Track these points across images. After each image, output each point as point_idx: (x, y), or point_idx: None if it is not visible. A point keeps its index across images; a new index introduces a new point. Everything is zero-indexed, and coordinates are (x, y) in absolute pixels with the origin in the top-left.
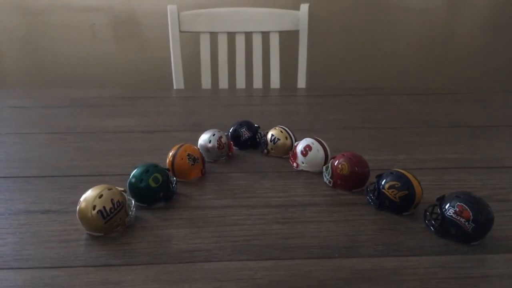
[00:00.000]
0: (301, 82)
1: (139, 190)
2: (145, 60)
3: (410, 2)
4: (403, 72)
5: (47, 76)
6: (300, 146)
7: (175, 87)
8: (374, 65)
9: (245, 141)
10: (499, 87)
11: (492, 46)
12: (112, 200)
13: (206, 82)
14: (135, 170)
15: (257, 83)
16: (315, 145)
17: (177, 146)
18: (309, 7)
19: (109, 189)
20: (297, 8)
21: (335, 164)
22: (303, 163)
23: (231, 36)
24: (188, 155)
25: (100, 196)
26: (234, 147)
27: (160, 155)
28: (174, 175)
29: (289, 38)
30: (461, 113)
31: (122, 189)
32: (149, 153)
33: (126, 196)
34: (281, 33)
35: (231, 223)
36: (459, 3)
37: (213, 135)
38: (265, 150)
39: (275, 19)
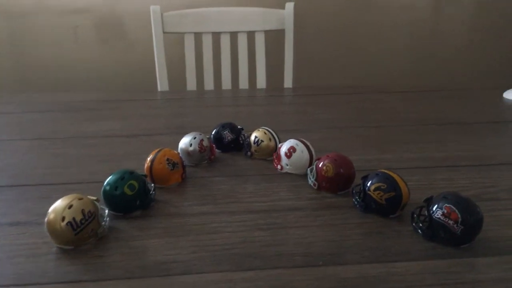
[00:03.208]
0: (288, 82)
1: (114, 198)
2: (130, 62)
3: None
4: (390, 70)
5: (30, 80)
6: (284, 148)
7: (159, 89)
8: (360, 64)
9: (228, 143)
10: (485, 84)
11: (478, 43)
12: (82, 210)
13: (191, 83)
14: (110, 177)
15: (243, 83)
16: (300, 147)
17: (156, 151)
18: (295, 5)
19: (80, 199)
20: (282, 7)
21: (320, 166)
22: (287, 165)
23: (216, 36)
24: (167, 159)
25: (70, 207)
26: (217, 150)
27: (141, 160)
28: (153, 181)
29: (275, 38)
30: (448, 110)
31: (95, 198)
32: (130, 158)
33: (98, 206)
34: (267, 33)
35: (211, 231)
36: (445, 1)
37: (194, 138)
38: (249, 153)
39: (260, 19)
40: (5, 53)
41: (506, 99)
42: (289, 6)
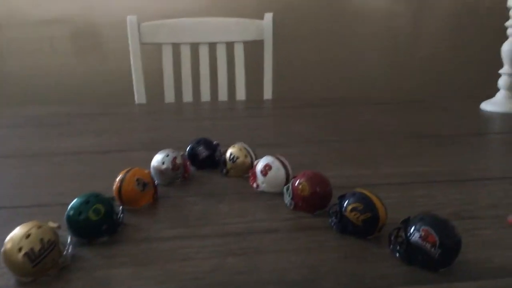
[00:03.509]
0: (267, 93)
1: (78, 224)
2: (107, 73)
3: (374, 8)
4: (369, 80)
5: (4, 93)
6: (259, 165)
7: (136, 102)
8: (340, 73)
9: (203, 160)
10: (463, 94)
11: (456, 53)
12: (41, 239)
13: (169, 95)
14: (74, 201)
15: (223, 95)
16: (275, 164)
17: (125, 171)
18: (273, 16)
19: (39, 227)
20: (261, 17)
21: (296, 184)
22: (263, 183)
23: (195, 47)
24: (137, 180)
25: (28, 236)
26: (191, 167)
27: (112, 179)
28: (122, 203)
29: (254, 48)
30: (425, 122)
31: (56, 225)
32: (100, 177)
33: (59, 234)
34: (246, 43)
35: (181, 258)
36: (423, 9)
37: (167, 155)
38: (224, 170)
39: (239, 29)
40: None
41: (484, 110)
42: (268, 16)
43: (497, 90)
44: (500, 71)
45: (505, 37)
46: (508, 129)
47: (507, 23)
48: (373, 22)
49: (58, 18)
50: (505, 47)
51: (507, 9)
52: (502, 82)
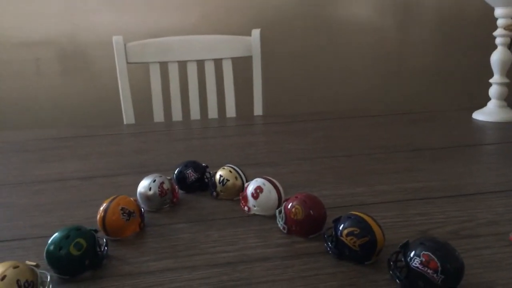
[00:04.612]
0: (258, 109)
1: (58, 260)
2: (94, 94)
3: (361, 22)
4: (359, 92)
5: None
6: (250, 188)
7: (125, 122)
8: (330, 87)
9: (192, 183)
10: (453, 105)
11: (444, 63)
12: (18, 281)
13: (158, 114)
14: (54, 236)
15: (212, 112)
16: (267, 186)
17: (109, 199)
18: (261, 32)
19: (15, 267)
20: (249, 34)
21: (289, 207)
22: (254, 206)
23: (182, 65)
24: (122, 209)
25: (3, 278)
26: (180, 191)
27: (96, 207)
28: (106, 233)
29: (242, 65)
30: (417, 135)
31: (34, 263)
32: (83, 205)
33: (38, 273)
34: (234, 60)
35: None
36: (410, 20)
37: (154, 181)
38: (214, 193)
39: (226, 46)
40: None
41: (476, 119)
42: (255, 32)
43: (488, 99)
44: (491, 80)
45: (493, 46)
46: (501, 139)
47: (495, 33)
48: (361, 35)
49: (43, 40)
50: (494, 57)
51: (495, 18)
52: (493, 91)
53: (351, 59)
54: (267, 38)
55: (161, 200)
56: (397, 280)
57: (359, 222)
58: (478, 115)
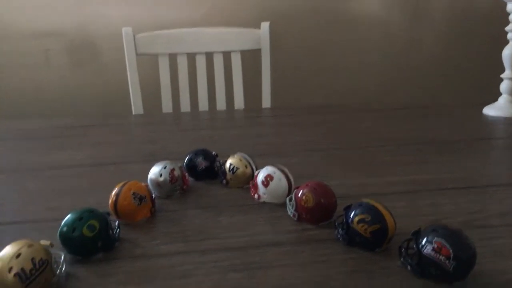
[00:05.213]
0: (266, 102)
1: (72, 241)
2: (103, 85)
3: (371, 15)
4: (368, 87)
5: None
6: (260, 176)
7: (134, 113)
8: (338, 80)
9: (202, 171)
10: (463, 100)
11: (455, 58)
12: (33, 259)
13: (167, 105)
14: (67, 217)
15: (221, 104)
16: (277, 174)
17: (120, 184)
18: (270, 25)
19: (30, 246)
20: (258, 26)
21: (299, 195)
22: (264, 194)
23: (191, 57)
24: (133, 194)
25: (18, 256)
26: (190, 179)
27: (107, 192)
28: (118, 217)
29: (251, 57)
30: (427, 128)
31: (48, 243)
32: (95, 191)
33: (52, 252)
34: (243, 52)
35: (180, 275)
36: (420, 14)
37: (165, 167)
38: (224, 181)
39: (236, 38)
40: None
41: (487, 115)
42: (265, 25)
43: (499, 94)
44: (502, 76)
45: (505, 42)
46: None
47: (507, 28)
48: (371, 29)
49: (53, 31)
50: (506, 52)
51: (507, 13)
52: (504, 86)
53: (360, 53)
54: (276, 31)
55: (172, 187)
56: (409, 267)
57: (371, 210)
58: (489, 110)
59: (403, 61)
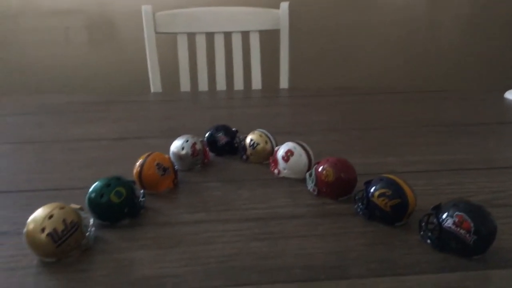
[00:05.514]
0: (284, 82)
1: (100, 207)
2: (122, 63)
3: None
4: (387, 70)
5: (19, 82)
6: (281, 151)
7: (152, 91)
8: (357, 63)
9: (222, 146)
10: (484, 84)
11: (476, 43)
12: (64, 220)
13: (185, 84)
14: (95, 184)
15: (238, 84)
16: (297, 150)
17: (145, 155)
18: (289, 5)
19: (61, 208)
20: (277, 7)
21: (319, 170)
22: (284, 169)
23: (210, 36)
24: (157, 164)
25: (50, 217)
26: (210, 154)
27: (130, 165)
28: (142, 187)
29: (270, 37)
30: (448, 111)
31: (78, 206)
32: (117, 163)
33: (81, 215)
34: (262, 33)
35: (204, 242)
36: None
37: (187, 141)
38: (244, 156)
39: (254, 18)
40: None
41: (508, 99)
42: (284, 5)
43: None
44: None
45: None
46: None
47: None
48: (390, 11)
49: (73, 9)
50: None
51: None
52: None
53: (380, 36)
54: (295, 12)
55: (193, 160)
56: (428, 241)
57: (391, 184)
58: (511, 95)
59: (423, 45)
